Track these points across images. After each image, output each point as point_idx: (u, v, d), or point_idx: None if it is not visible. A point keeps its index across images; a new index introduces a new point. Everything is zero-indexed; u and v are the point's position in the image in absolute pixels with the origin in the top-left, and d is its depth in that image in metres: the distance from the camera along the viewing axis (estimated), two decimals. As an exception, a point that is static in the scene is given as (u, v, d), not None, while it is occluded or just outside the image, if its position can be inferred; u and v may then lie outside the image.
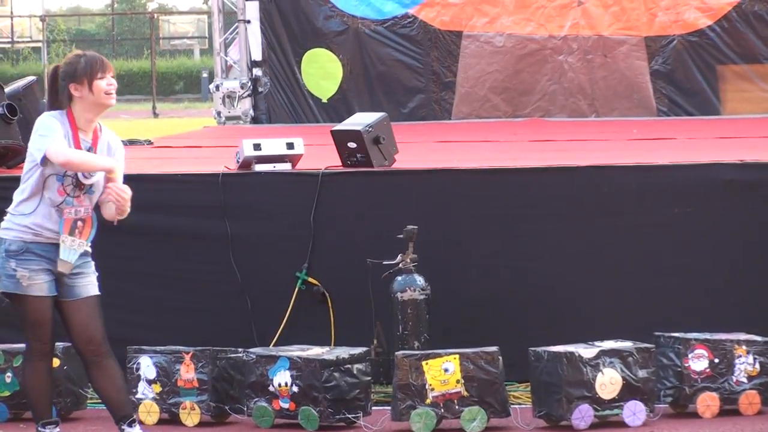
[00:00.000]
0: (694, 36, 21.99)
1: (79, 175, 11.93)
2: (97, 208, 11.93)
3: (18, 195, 11.90)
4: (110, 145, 12.11)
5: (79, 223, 11.93)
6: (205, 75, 36.11)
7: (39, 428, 12.10)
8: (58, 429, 12.17)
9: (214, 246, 14.60)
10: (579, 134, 19.93)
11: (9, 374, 13.94)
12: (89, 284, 12.04)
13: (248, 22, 23.08)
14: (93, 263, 12.06)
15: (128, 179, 12.08)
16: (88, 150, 11.90)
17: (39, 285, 11.74)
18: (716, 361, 13.33)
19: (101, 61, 12.28)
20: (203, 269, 14.41)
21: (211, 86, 24.29)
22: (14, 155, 15.37)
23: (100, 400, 12.68)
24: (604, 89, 22.36)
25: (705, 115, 21.79)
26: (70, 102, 11.95)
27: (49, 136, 11.76)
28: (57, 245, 11.73)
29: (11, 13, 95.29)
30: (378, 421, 13.18)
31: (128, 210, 11.89)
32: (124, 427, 12.09)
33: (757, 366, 13.38)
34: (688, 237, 14.35)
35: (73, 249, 11.89)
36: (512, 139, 19.53)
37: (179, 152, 17.57)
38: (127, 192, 11.67)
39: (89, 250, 12.00)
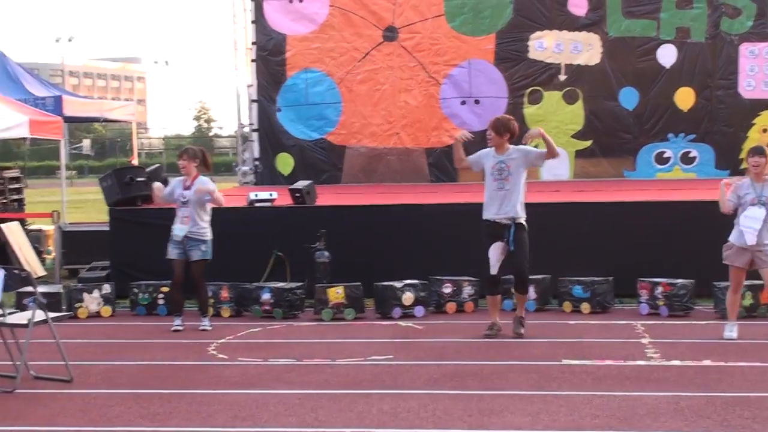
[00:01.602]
0: (446, 148, 21.38)
1: (181, 195, 12.09)
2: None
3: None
4: (197, 181, 12.35)
5: (184, 219, 12.10)
6: (235, 164, 35.83)
7: (174, 316, 12.53)
8: (181, 318, 12.51)
9: (239, 240, 14.32)
10: (396, 190, 19.81)
11: (146, 294, 13.83)
12: (194, 258, 12.32)
13: (252, 140, 22.95)
14: (201, 245, 12.30)
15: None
16: (187, 188, 12.33)
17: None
18: (455, 288, 13.31)
19: (179, 152, 12.86)
20: (232, 250, 14.15)
21: (237, 168, 24.15)
22: (149, 200, 14.92)
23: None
24: (408, 171, 22.06)
25: (451, 182, 21.47)
26: None
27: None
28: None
29: (149, 136, 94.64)
30: (307, 315, 13.13)
31: (222, 203, 12.68)
32: (202, 317, 12.44)
33: (472, 290, 13.38)
34: (449, 236, 14.26)
35: (180, 229, 12.15)
36: (367, 193, 19.43)
37: (225, 198, 17.32)
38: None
39: (200, 238, 12.29)
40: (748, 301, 12.17)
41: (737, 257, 10.92)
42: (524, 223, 11.36)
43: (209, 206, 12.52)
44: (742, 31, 21.56)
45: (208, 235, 12.45)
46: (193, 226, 12.29)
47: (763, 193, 10.84)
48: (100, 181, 16.35)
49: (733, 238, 11.00)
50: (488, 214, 11.42)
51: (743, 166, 19.84)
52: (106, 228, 15.71)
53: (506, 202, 11.28)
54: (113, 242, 15.29)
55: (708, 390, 8.66)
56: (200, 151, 12.75)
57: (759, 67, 21.56)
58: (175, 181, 12.72)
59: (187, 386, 9.28)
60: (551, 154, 11.40)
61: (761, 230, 10.77)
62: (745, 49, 21.56)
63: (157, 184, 13.01)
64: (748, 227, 10.79)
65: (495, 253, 11.34)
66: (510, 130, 11.49)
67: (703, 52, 21.65)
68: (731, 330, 11.00)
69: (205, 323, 12.44)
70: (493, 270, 11.38)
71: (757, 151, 11.05)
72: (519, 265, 11.39)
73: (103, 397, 8.93)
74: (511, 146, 11.50)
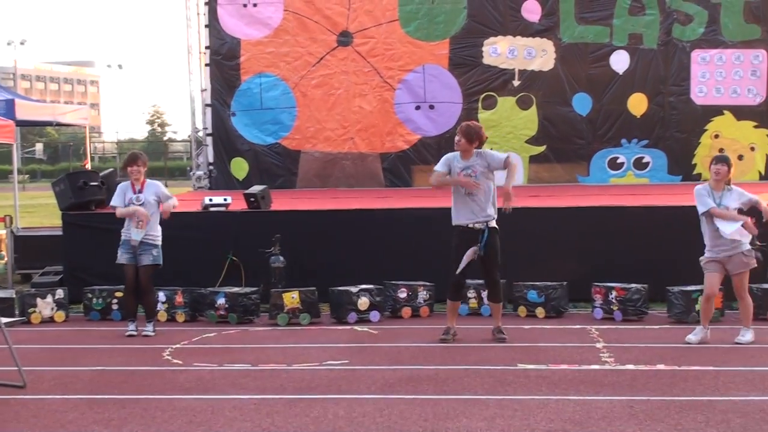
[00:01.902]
0: (401, 153, 21.81)
1: (135, 199, 12.09)
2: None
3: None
4: (150, 184, 12.41)
5: (140, 222, 12.01)
6: (189, 168, 35.59)
7: (129, 322, 12.52)
8: (135, 323, 12.46)
9: (193, 244, 14.40)
10: (351, 195, 19.82)
11: (100, 299, 13.77)
12: (145, 262, 12.21)
13: (207, 145, 22.90)
14: (153, 249, 12.27)
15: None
16: (139, 191, 12.35)
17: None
18: (410, 293, 13.33)
19: (131, 158, 12.61)
20: (187, 255, 14.15)
21: (192, 173, 24.06)
22: (102, 204, 15.12)
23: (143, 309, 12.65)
24: (363, 175, 22.12)
25: (406, 186, 21.64)
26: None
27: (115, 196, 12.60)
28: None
29: (103, 140, 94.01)
30: (262, 320, 13.14)
31: (173, 207, 12.54)
32: (147, 322, 12.40)
33: (427, 295, 13.43)
34: (405, 241, 14.32)
35: (137, 233, 12.11)
36: (322, 197, 19.43)
37: (179, 202, 17.20)
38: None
39: (153, 243, 12.30)
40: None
41: (716, 265, 10.98)
42: (497, 226, 11.39)
43: (158, 213, 12.54)
44: (693, 38, 21.75)
45: (160, 239, 12.46)
46: (148, 230, 12.28)
47: (722, 201, 10.92)
48: (53, 185, 16.27)
49: (706, 252, 11.04)
50: (459, 220, 11.38)
51: (696, 171, 20.06)
52: (60, 233, 15.64)
53: (477, 207, 11.27)
54: (66, 247, 15.23)
55: (662, 394, 8.71)
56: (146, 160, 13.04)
57: (710, 74, 21.75)
58: (122, 188, 12.63)
59: (142, 392, 9.22)
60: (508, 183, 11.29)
61: (734, 233, 10.84)
62: (697, 55, 21.75)
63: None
64: (734, 231, 10.83)
65: (467, 256, 11.28)
66: (480, 138, 11.43)
67: (656, 58, 21.83)
68: (696, 335, 11.07)
69: (149, 329, 12.40)
70: (459, 270, 11.34)
71: (720, 159, 11.15)
72: (491, 274, 11.48)
73: (56, 402, 8.85)
74: (475, 151, 11.46)
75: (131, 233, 12.28)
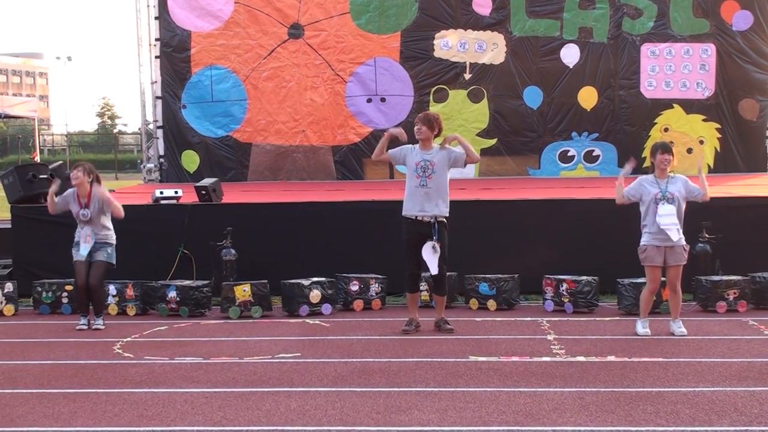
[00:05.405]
0: (353, 146, 21.98)
1: (81, 215, 11.99)
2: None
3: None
4: (96, 193, 12.14)
5: (88, 237, 11.94)
6: (139, 161, 35.31)
7: (81, 316, 12.45)
8: (87, 318, 12.38)
9: (144, 237, 14.28)
10: (303, 188, 19.82)
11: (50, 293, 13.68)
12: (98, 258, 12.13)
13: (158, 138, 22.84)
14: (107, 247, 12.28)
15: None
16: (85, 206, 12.26)
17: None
18: (362, 286, 13.29)
19: (74, 167, 12.55)
20: (138, 248, 14.07)
21: (142, 166, 23.97)
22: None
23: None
24: (314, 168, 22.12)
25: (358, 179, 21.83)
26: None
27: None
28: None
29: (52, 133, 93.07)
30: (214, 313, 13.08)
31: (122, 216, 12.32)
32: (96, 317, 12.35)
33: (379, 288, 13.41)
34: (356, 234, 14.31)
35: (86, 248, 12.08)
36: (274, 190, 19.40)
37: (129, 195, 17.09)
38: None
39: (106, 241, 12.27)
40: (651, 297, 12.36)
41: (655, 256, 11.04)
42: (446, 221, 11.41)
43: (110, 214, 12.42)
44: (643, 31, 21.97)
45: (113, 239, 12.42)
46: (98, 232, 12.28)
47: (667, 189, 11.00)
48: (1, 178, 16.10)
49: (646, 240, 11.10)
50: (409, 211, 11.39)
51: (645, 164, 20.23)
52: (8, 226, 15.49)
53: (429, 201, 11.29)
54: (16, 240, 15.07)
55: (612, 385, 8.77)
56: (95, 171, 12.61)
57: (660, 67, 21.96)
58: (69, 194, 12.52)
59: (93, 385, 9.15)
60: (470, 158, 11.47)
61: (670, 227, 10.94)
62: (647, 49, 21.95)
63: (54, 187, 12.77)
64: (668, 225, 10.92)
65: (428, 253, 11.26)
66: (439, 125, 11.51)
67: (606, 52, 22.02)
68: (645, 326, 11.14)
69: (99, 322, 12.33)
70: (433, 270, 11.35)
71: (665, 149, 11.17)
72: (438, 267, 11.39)
73: (5, 397, 8.78)
74: (436, 145, 11.51)
75: (81, 248, 12.28)
